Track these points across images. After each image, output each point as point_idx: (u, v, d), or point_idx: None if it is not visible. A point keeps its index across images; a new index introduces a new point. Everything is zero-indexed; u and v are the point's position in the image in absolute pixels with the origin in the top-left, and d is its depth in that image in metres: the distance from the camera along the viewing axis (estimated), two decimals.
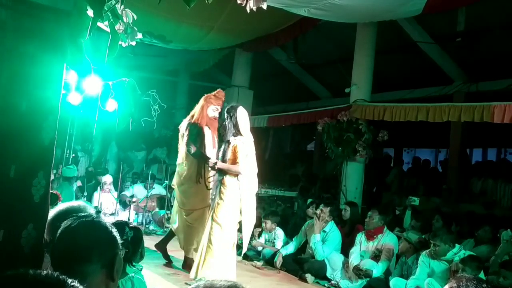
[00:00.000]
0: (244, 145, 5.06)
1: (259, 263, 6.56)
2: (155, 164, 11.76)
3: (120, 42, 2.60)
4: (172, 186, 6.15)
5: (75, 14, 2.05)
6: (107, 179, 8.71)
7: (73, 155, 10.83)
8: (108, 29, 2.47)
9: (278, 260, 6.31)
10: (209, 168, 5.31)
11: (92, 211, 2.15)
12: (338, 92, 9.51)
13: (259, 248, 6.80)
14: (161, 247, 6.11)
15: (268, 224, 6.90)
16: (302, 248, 6.57)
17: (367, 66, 7.75)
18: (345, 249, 6.14)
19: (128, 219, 8.18)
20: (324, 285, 5.88)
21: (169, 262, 6.01)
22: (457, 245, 4.97)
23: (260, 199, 8.59)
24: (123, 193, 9.35)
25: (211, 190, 5.30)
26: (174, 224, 5.97)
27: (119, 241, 1.70)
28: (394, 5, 5.86)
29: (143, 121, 6.13)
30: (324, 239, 6.16)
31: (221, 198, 5.01)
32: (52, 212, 2.15)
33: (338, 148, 7.53)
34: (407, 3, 5.69)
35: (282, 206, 8.30)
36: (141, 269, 2.83)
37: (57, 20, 2.13)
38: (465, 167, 8.98)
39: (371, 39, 7.72)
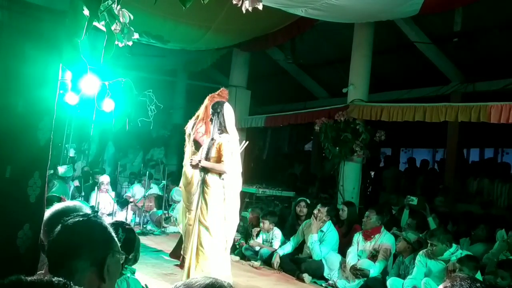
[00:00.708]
0: (230, 144, 4.87)
1: (257, 263, 6.56)
2: (152, 163, 11.75)
3: (116, 42, 2.60)
4: (180, 188, 6.09)
5: (71, 14, 2.05)
6: (105, 179, 8.70)
7: (70, 155, 10.82)
8: (104, 29, 2.46)
9: (276, 261, 6.31)
10: (191, 167, 5.13)
11: (88, 211, 2.14)
12: (336, 92, 9.53)
13: (257, 248, 6.81)
14: (176, 253, 6.04)
15: (266, 224, 6.90)
16: (300, 248, 6.57)
17: (364, 66, 7.76)
18: (343, 249, 6.15)
19: (126, 219, 8.18)
20: (321, 285, 5.88)
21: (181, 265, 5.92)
22: (454, 245, 4.97)
23: (257, 199, 8.63)
24: (126, 194, 9.34)
25: (193, 189, 5.13)
26: (180, 225, 5.95)
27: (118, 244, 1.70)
28: (391, 6, 5.87)
29: (140, 121, 6.10)
30: (321, 239, 6.17)
31: (205, 199, 4.83)
32: (48, 213, 2.14)
33: (335, 148, 7.53)
34: (404, 4, 5.70)
35: (279, 206, 8.31)
36: (134, 272, 2.80)
37: (53, 20, 2.13)
38: (462, 167, 9.00)
39: (369, 39, 7.73)
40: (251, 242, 6.94)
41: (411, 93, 8.89)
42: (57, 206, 2.20)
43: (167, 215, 8.72)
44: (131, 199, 8.99)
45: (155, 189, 9.48)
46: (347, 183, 7.56)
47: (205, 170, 4.90)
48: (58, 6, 2.12)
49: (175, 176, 9.46)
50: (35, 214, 2.07)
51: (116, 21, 2.53)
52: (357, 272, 5.60)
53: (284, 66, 11.07)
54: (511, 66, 7.46)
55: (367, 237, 5.82)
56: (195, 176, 5.46)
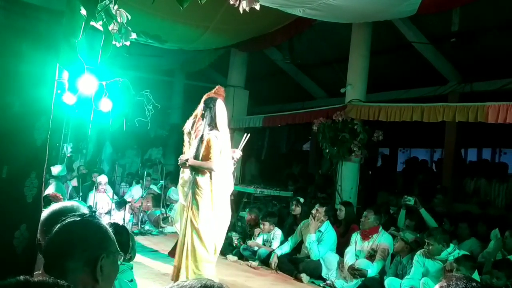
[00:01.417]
0: (218, 140, 4.73)
1: (255, 263, 6.56)
2: (149, 163, 11.74)
3: (114, 42, 2.60)
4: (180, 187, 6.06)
5: (68, 14, 2.04)
6: (102, 179, 8.69)
7: (68, 155, 10.81)
8: (102, 29, 2.46)
9: (273, 261, 6.31)
10: (180, 166, 5.07)
11: (85, 211, 2.14)
12: (334, 92, 9.53)
13: (255, 248, 6.81)
14: (175, 252, 6.03)
15: (267, 225, 6.90)
16: (298, 248, 6.58)
17: (362, 66, 7.76)
18: (341, 249, 6.16)
19: (124, 219, 8.17)
20: (319, 285, 5.89)
21: None
22: (451, 245, 4.98)
23: (255, 199, 8.63)
24: (127, 198, 9.32)
25: (185, 189, 5.05)
26: (177, 224, 5.93)
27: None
28: (388, 6, 5.88)
29: (137, 121, 6.09)
30: (319, 239, 6.18)
31: (196, 201, 4.74)
32: (45, 213, 2.14)
33: (333, 148, 7.53)
34: (401, 4, 5.70)
35: (277, 206, 8.31)
36: (131, 268, 2.80)
37: (51, 20, 2.12)
38: (459, 167, 9.01)
39: (366, 39, 7.73)
40: (250, 242, 6.94)
41: (409, 93, 8.90)
42: (54, 206, 2.19)
43: (165, 215, 8.71)
44: (129, 199, 8.98)
45: (153, 189, 9.47)
46: (345, 183, 7.56)
47: (195, 170, 4.81)
48: (55, 6, 2.12)
49: (173, 176, 9.46)
50: (32, 214, 2.06)
51: (114, 21, 2.52)
52: (355, 272, 5.61)
53: (282, 66, 11.07)
54: (509, 66, 7.48)
55: (365, 237, 5.83)
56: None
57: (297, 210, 7.04)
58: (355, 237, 5.93)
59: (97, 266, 1.57)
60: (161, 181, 9.61)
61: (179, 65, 12.36)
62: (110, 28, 2.46)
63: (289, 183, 9.43)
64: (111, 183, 9.40)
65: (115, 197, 9.05)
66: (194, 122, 5.62)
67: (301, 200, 7.17)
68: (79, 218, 1.66)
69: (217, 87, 5.76)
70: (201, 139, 4.83)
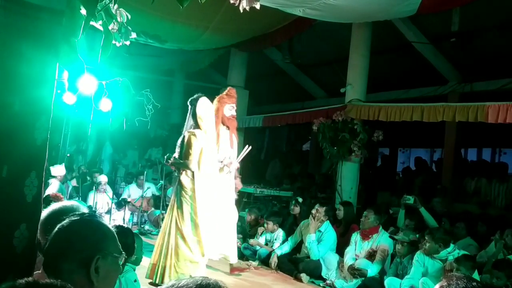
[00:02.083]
0: (198, 138, 4.64)
1: (255, 263, 6.56)
2: (149, 163, 11.74)
3: (114, 42, 2.60)
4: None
5: (68, 14, 2.04)
6: (102, 179, 8.69)
7: (68, 154, 10.79)
8: (102, 28, 2.46)
9: (273, 260, 6.31)
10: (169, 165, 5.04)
11: (85, 211, 2.14)
12: (333, 92, 9.53)
13: (256, 248, 6.80)
14: None
15: (270, 225, 6.90)
16: (298, 247, 6.58)
17: (362, 66, 7.76)
18: (340, 249, 6.15)
19: (123, 219, 8.17)
20: (319, 285, 5.89)
21: None
22: (451, 245, 4.98)
23: (255, 199, 8.62)
24: (123, 196, 9.32)
25: (172, 189, 5.04)
26: None
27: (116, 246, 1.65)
28: (388, 5, 5.88)
29: (137, 121, 6.09)
30: (319, 238, 6.17)
31: (180, 202, 4.71)
32: (45, 212, 2.14)
33: (333, 148, 7.53)
34: (401, 3, 5.70)
35: (277, 206, 8.31)
36: (134, 269, 2.80)
37: (50, 20, 2.12)
38: (459, 167, 9.01)
39: (366, 39, 7.73)
40: (252, 240, 6.92)
41: (409, 93, 8.90)
42: (54, 206, 2.19)
43: (164, 215, 8.69)
44: (129, 199, 8.98)
45: (152, 189, 9.46)
46: (345, 183, 7.56)
47: (178, 170, 4.78)
48: (55, 5, 2.12)
49: (172, 176, 9.44)
50: (32, 214, 2.06)
51: (114, 20, 2.53)
52: (355, 272, 5.61)
53: (282, 66, 11.07)
54: (509, 66, 7.48)
55: (365, 237, 5.83)
56: None
57: (296, 210, 7.05)
58: (355, 237, 5.93)
59: (91, 268, 1.53)
60: (161, 181, 9.60)
61: (179, 65, 12.36)
62: (110, 27, 2.46)
63: (284, 182, 9.44)
64: (111, 183, 9.39)
65: (115, 197, 9.05)
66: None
67: (300, 199, 7.17)
68: (76, 219, 1.62)
69: (228, 88, 5.72)
70: (183, 138, 4.79)
